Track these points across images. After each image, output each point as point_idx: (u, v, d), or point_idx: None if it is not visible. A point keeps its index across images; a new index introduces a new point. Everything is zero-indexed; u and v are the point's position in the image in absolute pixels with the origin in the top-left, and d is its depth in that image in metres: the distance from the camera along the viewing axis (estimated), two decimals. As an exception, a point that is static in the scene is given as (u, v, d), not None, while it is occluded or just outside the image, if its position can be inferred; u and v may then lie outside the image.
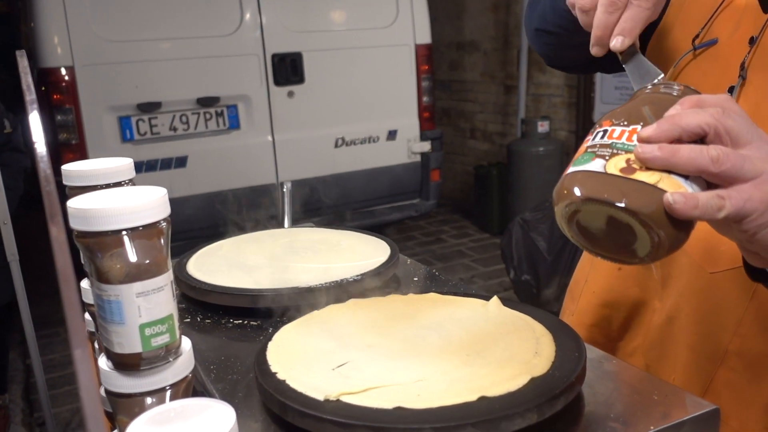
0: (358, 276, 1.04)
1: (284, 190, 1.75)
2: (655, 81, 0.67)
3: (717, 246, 0.85)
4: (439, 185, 4.58)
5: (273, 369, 0.76)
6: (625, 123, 0.61)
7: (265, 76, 3.84)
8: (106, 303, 0.62)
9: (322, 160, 4.09)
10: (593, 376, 0.78)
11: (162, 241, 0.64)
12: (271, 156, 3.94)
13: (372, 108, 4.22)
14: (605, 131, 0.62)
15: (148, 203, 0.62)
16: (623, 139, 0.60)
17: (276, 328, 0.88)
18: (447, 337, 0.82)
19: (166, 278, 0.65)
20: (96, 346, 0.90)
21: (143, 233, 0.62)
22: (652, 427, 0.68)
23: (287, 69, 3.88)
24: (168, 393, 0.68)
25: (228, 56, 3.76)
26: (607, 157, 0.60)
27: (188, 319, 1.03)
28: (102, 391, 0.70)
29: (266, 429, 0.71)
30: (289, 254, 1.19)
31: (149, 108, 3.60)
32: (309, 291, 1.00)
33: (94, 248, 0.61)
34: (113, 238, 0.61)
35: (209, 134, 3.79)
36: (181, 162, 3.72)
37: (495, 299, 0.91)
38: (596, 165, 0.60)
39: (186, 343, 0.70)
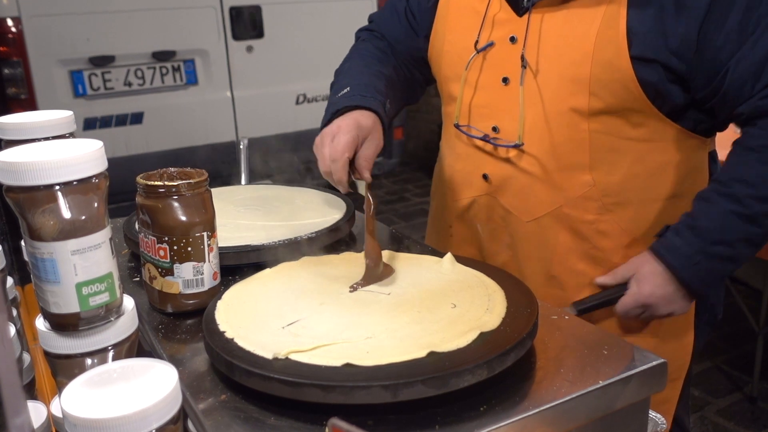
0: (312, 234, 1.02)
1: (241, 146, 1.72)
2: None
3: (527, 201, 1.09)
4: (403, 143, 4.54)
5: (221, 328, 0.74)
6: None
7: (223, 29, 3.72)
8: (40, 261, 0.59)
9: (284, 117, 4.00)
10: (545, 331, 0.78)
11: (98, 196, 0.61)
12: (231, 113, 3.84)
13: (334, 64, 4.09)
14: None
15: (83, 157, 0.59)
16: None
17: (227, 287, 0.87)
18: (399, 294, 0.81)
19: (104, 235, 0.62)
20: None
21: (78, 188, 0.59)
22: (600, 381, 0.68)
23: (246, 22, 3.76)
24: (110, 353, 0.66)
25: (184, 8, 3.62)
26: None
27: (137, 278, 1.00)
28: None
29: (214, 389, 0.70)
30: (243, 212, 1.16)
31: (102, 62, 3.46)
32: (261, 249, 0.98)
33: (25, 204, 0.58)
34: (45, 193, 0.58)
35: (166, 90, 3.67)
36: (137, 118, 3.60)
37: (449, 256, 0.90)
38: None
39: (129, 302, 0.68)
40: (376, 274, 0.87)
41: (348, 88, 1.11)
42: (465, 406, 0.65)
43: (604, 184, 1.04)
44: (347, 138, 0.99)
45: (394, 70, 1.23)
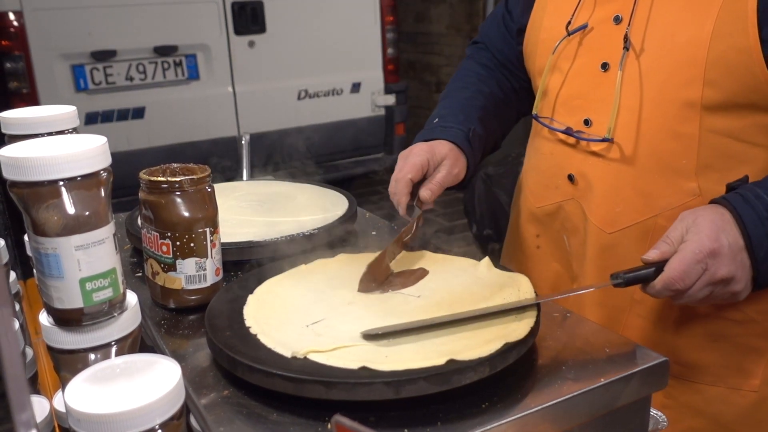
0: (314, 230, 1.02)
1: (243, 142, 1.71)
2: None
3: (613, 209, 0.95)
4: (404, 139, 4.54)
5: (247, 323, 0.75)
6: None
7: (225, 24, 3.72)
8: (44, 256, 0.60)
9: (285, 112, 4.00)
10: (547, 329, 0.78)
11: (102, 192, 0.61)
12: (232, 108, 3.85)
13: (336, 60, 4.13)
14: None
15: (87, 152, 0.59)
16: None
17: (230, 282, 0.87)
18: (429, 297, 0.80)
19: (108, 231, 0.62)
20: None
21: (82, 183, 0.59)
22: (602, 380, 0.68)
23: (248, 17, 3.76)
24: (113, 349, 0.66)
25: (186, 3, 3.62)
26: None
27: (140, 274, 1.00)
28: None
29: (216, 384, 0.70)
30: (244, 207, 1.16)
31: (104, 56, 3.46)
32: (263, 245, 0.98)
33: (29, 199, 0.58)
34: (49, 188, 0.58)
35: (167, 84, 3.67)
36: (139, 113, 3.61)
37: (486, 260, 0.89)
38: None
39: (132, 298, 0.68)
40: (369, 286, 0.84)
41: (437, 119, 1.08)
42: (467, 403, 0.65)
43: (712, 195, 0.86)
44: (415, 160, 0.97)
45: (498, 84, 1.16)
